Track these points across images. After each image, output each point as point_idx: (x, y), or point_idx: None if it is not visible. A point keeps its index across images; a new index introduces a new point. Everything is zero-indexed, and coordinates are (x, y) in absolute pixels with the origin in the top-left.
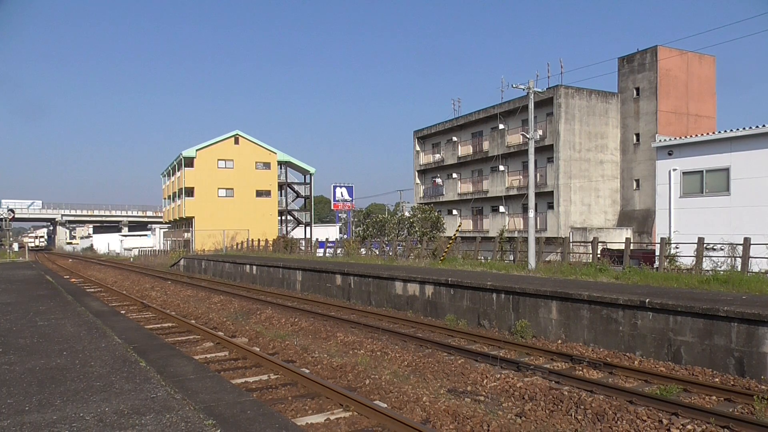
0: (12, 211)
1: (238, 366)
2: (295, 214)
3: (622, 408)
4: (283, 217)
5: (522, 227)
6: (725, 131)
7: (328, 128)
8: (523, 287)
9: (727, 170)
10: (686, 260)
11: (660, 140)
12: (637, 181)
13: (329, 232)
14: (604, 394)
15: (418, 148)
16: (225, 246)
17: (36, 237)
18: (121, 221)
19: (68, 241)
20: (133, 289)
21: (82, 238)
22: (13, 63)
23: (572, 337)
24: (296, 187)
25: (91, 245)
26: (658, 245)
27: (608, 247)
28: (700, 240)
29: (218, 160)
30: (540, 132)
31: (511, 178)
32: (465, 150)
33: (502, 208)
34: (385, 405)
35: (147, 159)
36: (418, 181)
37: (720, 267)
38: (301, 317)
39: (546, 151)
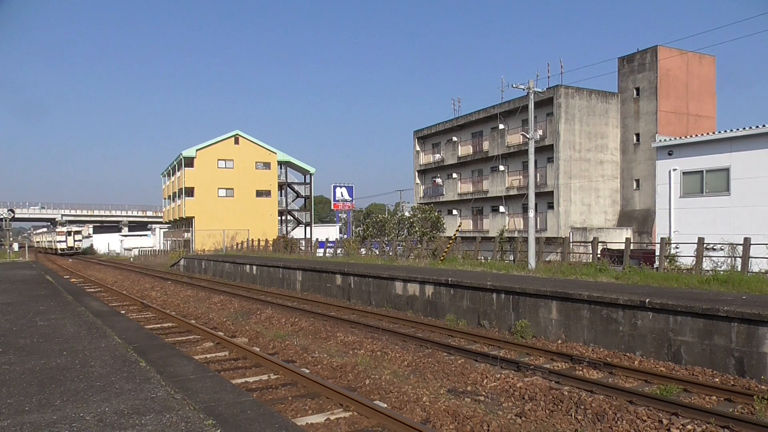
0: (12, 211)
1: (238, 366)
2: (295, 214)
3: (622, 408)
4: (283, 217)
5: (522, 227)
6: (725, 131)
7: (328, 128)
8: (523, 287)
9: (727, 170)
10: (686, 260)
11: (660, 140)
12: (637, 181)
13: (329, 232)
14: (604, 394)
15: (418, 148)
16: (225, 246)
17: (70, 233)
18: (121, 221)
19: None
20: (133, 289)
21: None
22: (12, 63)
23: (572, 337)
24: (296, 187)
25: (91, 245)
26: (658, 245)
27: (608, 247)
28: (700, 240)
29: (218, 160)
30: (540, 132)
31: (511, 178)
32: (465, 150)
33: (502, 208)
34: (385, 405)
35: (147, 159)
36: (418, 181)
37: (720, 267)
38: (301, 317)
39: (546, 151)
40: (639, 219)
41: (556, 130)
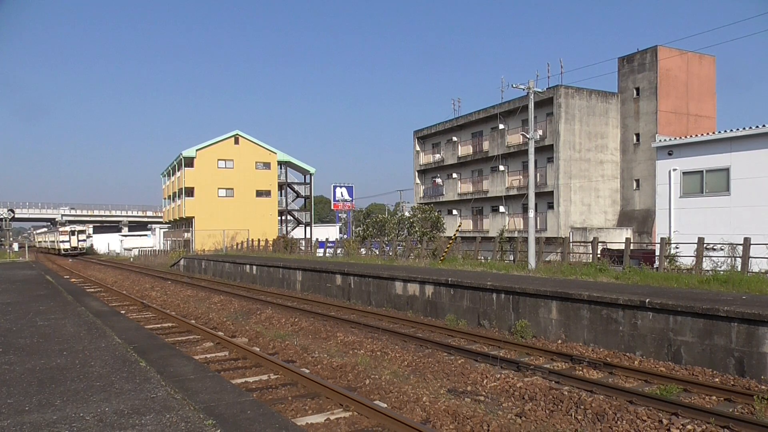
0: (12, 211)
1: (238, 366)
2: (295, 214)
3: (622, 408)
4: (283, 217)
5: (522, 227)
6: (725, 131)
7: (328, 128)
8: (523, 287)
9: (727, 170)
10: (686, 260)
11: (660, 140)
12: (637, 181)
13: (329, 232)
14: (604, 394)
15: (418, 148)
16: (225, 246)
17: (73, 232)
18: (121, 221)
19: None
20: (133, 289)
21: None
22: (12, 63)
23: (572, 337)
24: (296, 187)
25: (91, 245)
26: (658, 245)
27: (608, 247)
28: (700, 240)
29: (218, 160)
30: (540, 132)
31: (511, 178)
32: (465, 150)
33: (502, 208)
34: (385, 405)
35: (147, 159)
36: (418, 181)
37: (720, 267)
38: (301, 317)
39: (546, 151)
40: (639, 219)
41: (556, 130)
